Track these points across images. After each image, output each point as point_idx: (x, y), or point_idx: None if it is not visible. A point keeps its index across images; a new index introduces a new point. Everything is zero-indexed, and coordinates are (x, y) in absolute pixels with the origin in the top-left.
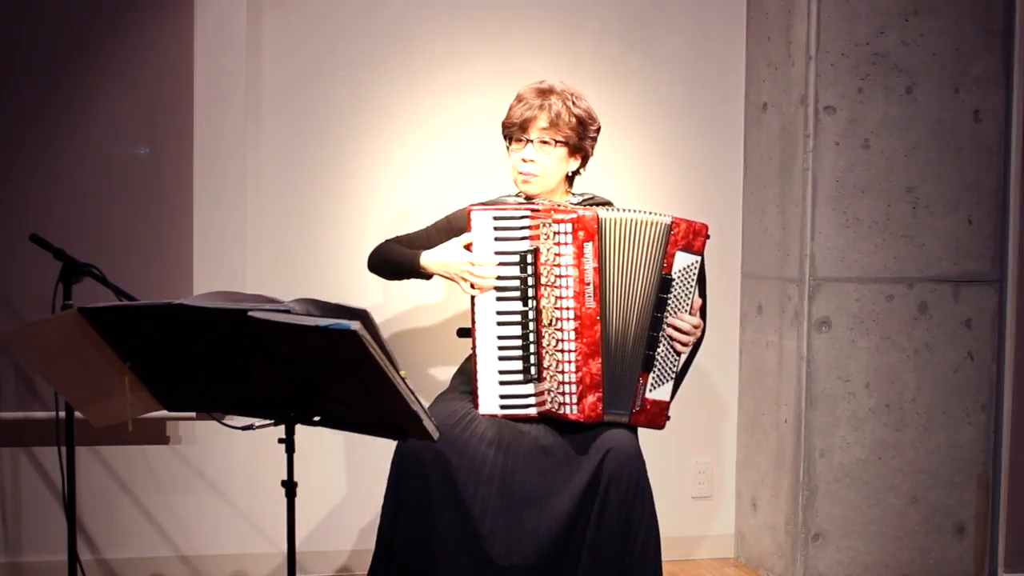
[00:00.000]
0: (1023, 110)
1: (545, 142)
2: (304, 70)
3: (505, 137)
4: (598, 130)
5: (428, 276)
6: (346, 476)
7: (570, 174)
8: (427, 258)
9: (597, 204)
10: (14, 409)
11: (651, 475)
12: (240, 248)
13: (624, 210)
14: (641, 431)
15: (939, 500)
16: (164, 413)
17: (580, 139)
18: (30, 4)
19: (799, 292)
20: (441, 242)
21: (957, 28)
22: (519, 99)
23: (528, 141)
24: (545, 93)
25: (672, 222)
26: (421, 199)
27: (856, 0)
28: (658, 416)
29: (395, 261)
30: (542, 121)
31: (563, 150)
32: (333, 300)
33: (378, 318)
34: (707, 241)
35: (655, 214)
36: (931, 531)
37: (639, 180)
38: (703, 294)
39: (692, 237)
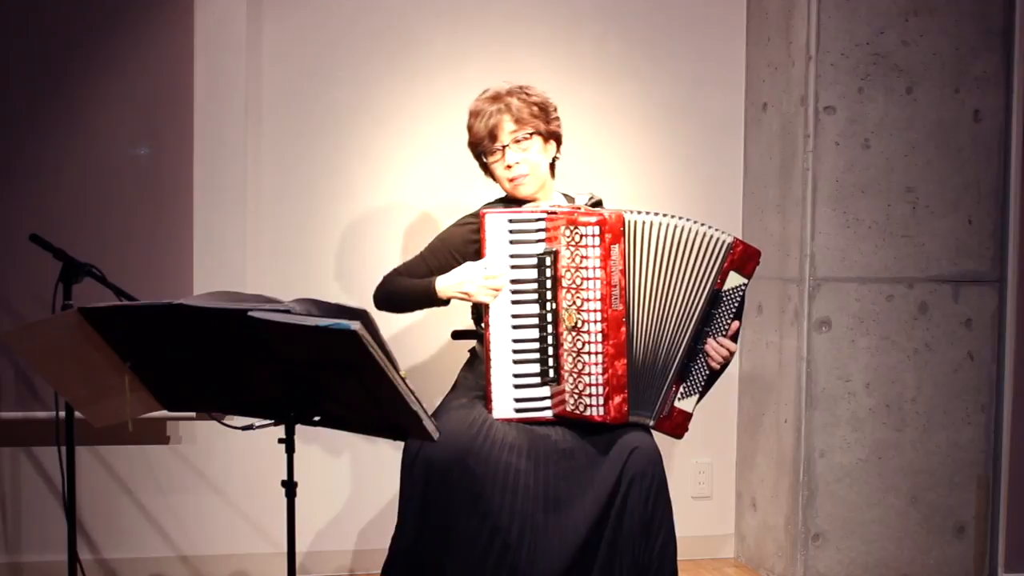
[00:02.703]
0: (1023, 110)
1: (519, 140)
2: (304, 70)
3: (477, 156)
4: (556, 109)
5: (446, 302)
6: (346, 476)
7: (551, 162)
8: (442, 284)
9: (596, 203)
10: (14, 409)
11: None
12: (240, 248)
13: (663, 215)
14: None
15: (939, 500)
16: (164, 413)
17: (547, 123)
18: (30, 4)
19: (799, 292)
20: (439, 263)
21: (957, 28)
22: (475, 114)
23: (503, 148)
24: (497, 98)
25: (733, 241)
26: (421, 199)
27: (856, 0)
28: (681, 426)
29: (408, 295)
30: (508, 123)
31: (538, 139)
32: (333, 300)
33: (377, 319)
34: (756, 267)
35: (712, 228)
36: (931, 531)
37: (639, 180)
38: (739, 317)
39: (746, 260)
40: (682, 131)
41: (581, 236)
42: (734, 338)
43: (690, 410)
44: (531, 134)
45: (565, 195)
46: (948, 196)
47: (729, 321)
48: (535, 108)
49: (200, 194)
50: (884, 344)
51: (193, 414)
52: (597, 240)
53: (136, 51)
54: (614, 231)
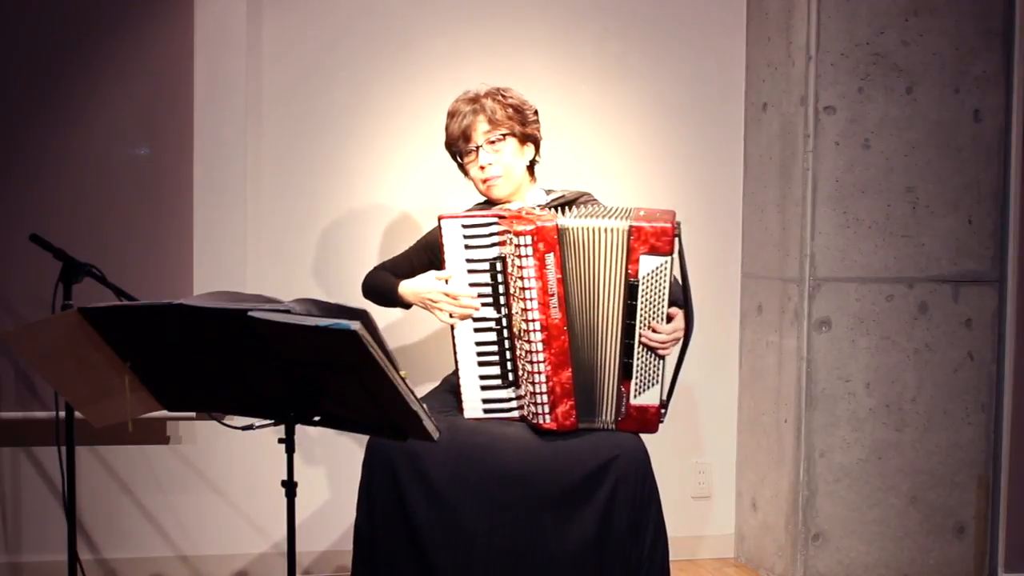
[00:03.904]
0: (1023, 110)
1: (492, 141)
2: (304, 70)
3: (453, 156)
4: (536, 113)
5: (409, 305)
6: (346, 476)
7: (529, 165)
8: (404, 288)
9: (568, 202)
10: (14, 409)
11: None
12: (240, 248)
13: (587, 215)
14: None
15: (939, 500)
16: (164, 413)
17: (523, 126)
18: (30, 4)
19: (799, 292)
20: (423, 261)
21: (957, 28)
22: (452, 115)
23: (477, 148)
24: (474, 99)
25: (630, 228)
26: (421, 199)
27: (856, 0)
28: (646, 422)
29: (380, 292)
30: (482, 124)
31: (513, 141)
32: (333, 300)
33: (377, 319)
34: (676, 239)
35: (616, 218)
36: (931, 531)
37: (639, 180)
38: (686, 290)
39: (656, 239)
40: (682, 131)
41: (517, 245)
42: (686, 313)
43: (654, 403)
44: (504, 135)
45: (547, 191)
46: (948, 196)
47: (660, 305)
48: (510, 110)
49: (200, 194)
50: (884, 344)
51: (193, 414)
52: (531, 250)
53: (136, 50)
54: (546, 239)
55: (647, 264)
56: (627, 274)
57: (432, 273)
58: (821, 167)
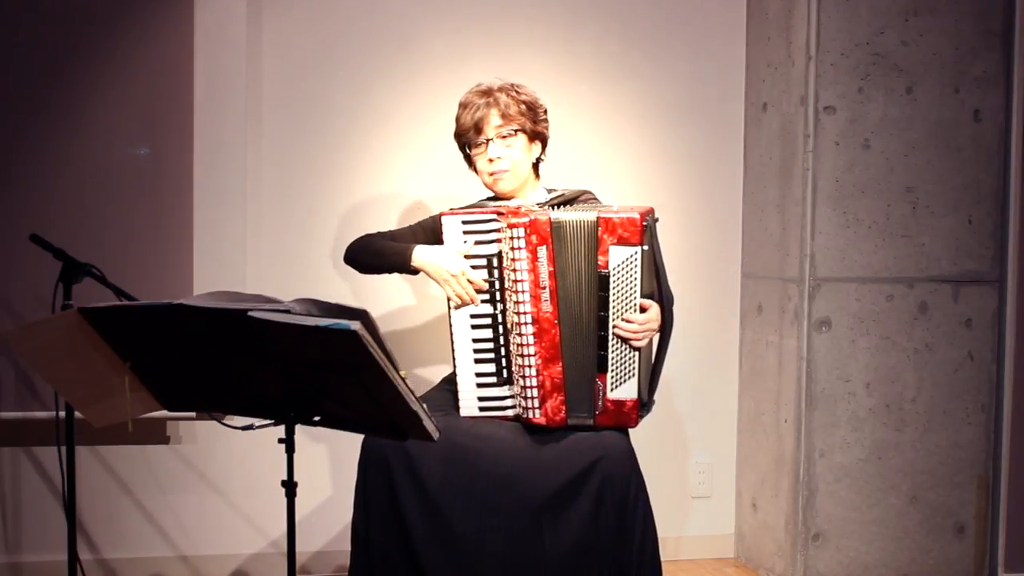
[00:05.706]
0: (1023, 110)
1: (504, 136)
2: (304, 70)
3: (462, 147)
4: (546, 112)
5: (414, 271)
6: (346, 476)
7: (535, 162)
8: (421, 254)
9: (567, 200)
10: (14, 409)
11: (651, 475)
12: (240, 248)
13: (575, 210)
14: (640, 431)
15: (939, 500)
16: (164, 413)
17: (534, 123)
18: (30, 4)
19: (799, 292)
20: (426, 241)
21: (957, 28)
22: (464, 106)
23: (488, 141)
24: (487, 92)
25: (597, 218)
26: (421, 199)
27: (856, 0)
28: (623, 415)
29: (382, 252)
30: (495, 117)
31: (523, 138)
32: (333, 300)
33: (372, 311)
34: (647, 231)
35: (589, 212)
36: (931, 531)
37: (639, 180)
38: (659, 281)
39: (624, 229)
40: (682, 131)
41: (512, 238)
42: (664, 304)
43: (631, 397)
44: (516, 131)
45: (549, 190)
46: (948, 196)
47: (632, 296)
48: (523, 106)
49: (200, 194)
50: (884, 344)
51: (193, 414)
52: (523, 242)
53: (136, 51)
54: (539, 232)
55: (617, 255)
56: (597, 265)
57: (458, 255)
58: (821, 167)
